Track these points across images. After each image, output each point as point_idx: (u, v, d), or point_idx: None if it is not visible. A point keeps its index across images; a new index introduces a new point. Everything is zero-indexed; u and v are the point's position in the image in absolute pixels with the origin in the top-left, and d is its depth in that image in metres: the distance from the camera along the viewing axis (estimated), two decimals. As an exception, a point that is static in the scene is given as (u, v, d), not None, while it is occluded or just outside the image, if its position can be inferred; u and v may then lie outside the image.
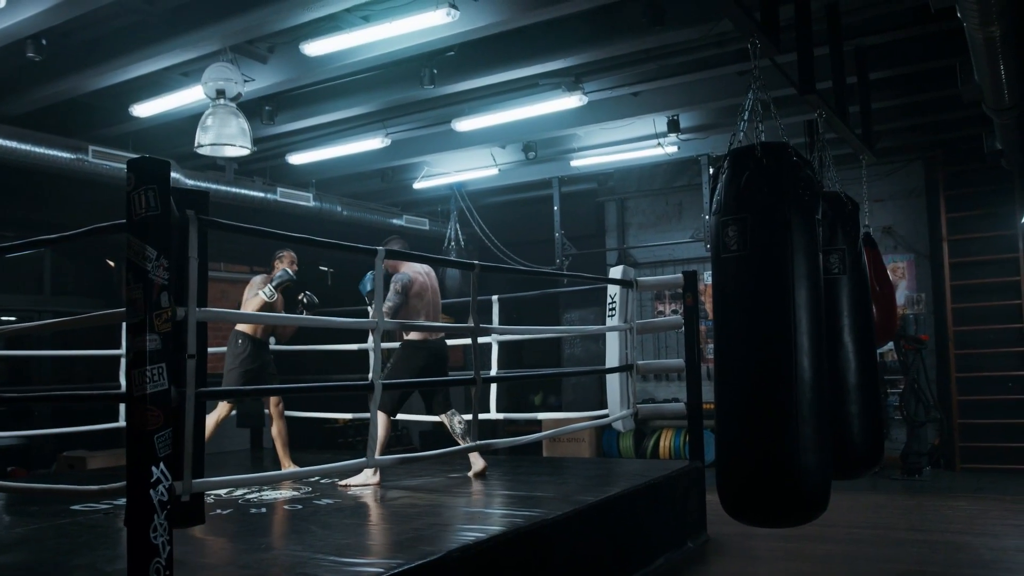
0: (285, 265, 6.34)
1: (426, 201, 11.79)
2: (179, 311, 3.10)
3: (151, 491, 2.62)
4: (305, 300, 6.51)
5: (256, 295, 6.19)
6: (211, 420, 6.16)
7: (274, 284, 6.19)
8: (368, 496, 5.46)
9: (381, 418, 5.91)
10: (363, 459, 3.95)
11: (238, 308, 6.88)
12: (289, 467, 6.27)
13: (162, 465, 2.65)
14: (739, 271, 3.58)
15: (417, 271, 6.05)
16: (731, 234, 3.57)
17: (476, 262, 4.95)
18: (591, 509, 4.85)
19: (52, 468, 8.41)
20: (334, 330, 8.05)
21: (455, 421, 6.11)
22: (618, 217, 11.89)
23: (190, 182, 8.57)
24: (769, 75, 4.28)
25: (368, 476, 5.80)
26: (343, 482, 5.80)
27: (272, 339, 6.90)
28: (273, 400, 6.43)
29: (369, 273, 5.87)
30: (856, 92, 6.64)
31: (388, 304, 5.81)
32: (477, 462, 6.14)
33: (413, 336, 6.03)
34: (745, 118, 3.75)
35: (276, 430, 6.41)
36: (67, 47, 6.27)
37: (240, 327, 6.33)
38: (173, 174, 8.25)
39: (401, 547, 3.96)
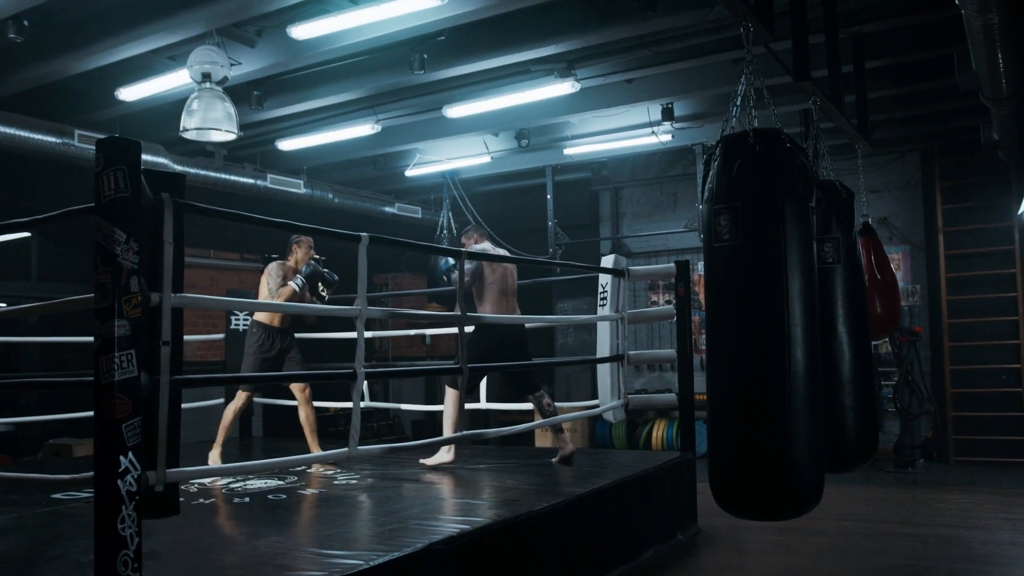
0: (303, 251, 6.25)
1: (419, 189, 11.71)
2: (153, 297, 3.02)
3: (119, 481, 2.53)
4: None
5: (287, 286, 6.04)
6: (230, 410, 6.27)
7: (305, 274, 6.06)
8: (355, 486, 5.38)
9: (451, 395, 5.89)
10: (345, 449, 3.87)
11: (255, 296, 6.81)
12: (317, 452, 6.16)
13: (131, 454, 2.56)
14: (731, 260, 3.49)
15: (487, 247, 6.06)
16: (723, 223, 3.48)
17: (463, 249, 4.87)
18: (579, 501, 4.78)
19: (38, 455, 8.33)
20: (327, 318, 7.98)
21: (543, 403, 6.05)
22: (612, 206, 11.80)
23: (178, 167, 8.48)
24: (764, 63, 4.19)
25: (443, 455, 5.94)
26: (423, 460, 5.94)
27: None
28: (298, 387, 6.33)
29: (442, 260, 5.95)
30: (852, 81, 6.54)
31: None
32: (565, 447, 6.15)
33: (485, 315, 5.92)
34: (737, 103, 3.66)
35: (303, 416, 6.35)
36: (50, 28, 6.15)
37: (257, 317, 6.29)
38: (160, 159, 8.19)
39: (384, 539, 3.88)
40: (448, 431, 5.87)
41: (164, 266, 3.08)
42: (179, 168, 8.48)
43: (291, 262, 6.30)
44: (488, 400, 7.19)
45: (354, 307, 4.02)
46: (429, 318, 5.80)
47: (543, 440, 10.52)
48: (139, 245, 2.66)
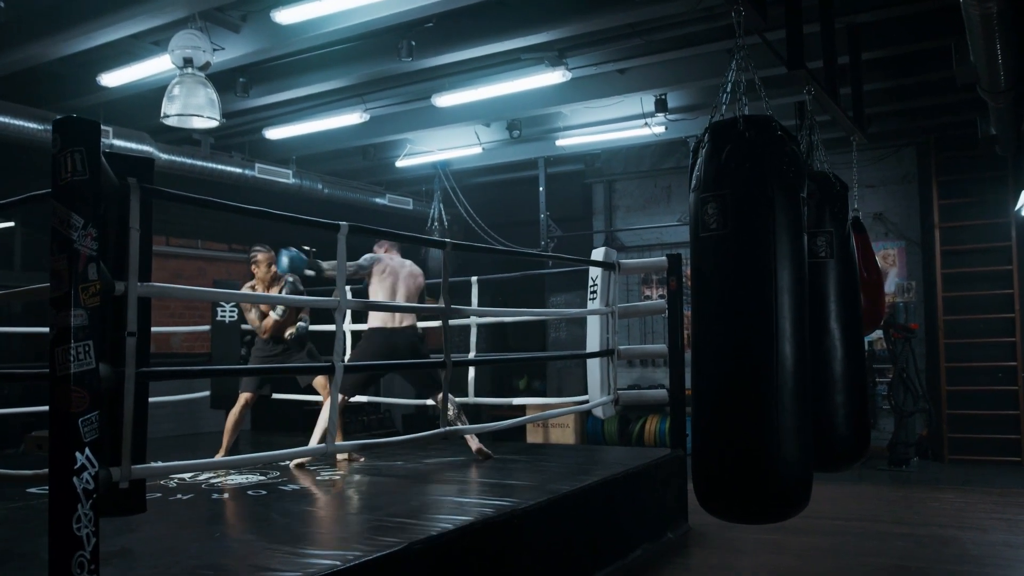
0: (262, 268, 6.15)
1: (410, 180, 11.59)
2: (118, 286, 2.91)
3: (74, 479, 2.42)
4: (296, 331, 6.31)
5: (268, 316, 6.10)
6: (231, 416, 6.22)
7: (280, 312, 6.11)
8: (336, 482, 5.27)
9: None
10: (322, 445, 3.75)
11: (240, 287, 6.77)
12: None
13: (87, 451, 2.44)
14: (718, 251, 3.38)
15: (395, 257, 6.08)
16: (711, 212, 3.37)
17: (448, 240, 4.75)
18: (565, 499, 4.67)
19: (20, 448, 8.21)
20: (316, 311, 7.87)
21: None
22: (606, 199, 11.69)
23: (164, 156, 8.35)
24: (757, 54, 4.08)
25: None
26: (294, 463, 5.81)
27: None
28: (319, 383, 6.26)
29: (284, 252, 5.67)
30: (848, 73, 6.43)
31: (357, 262, 5.77)
32: (472, 443, 6.06)
33: (375, 322, 5.94)
34: (728, 90, 3.54)
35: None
36: (29, 10, 6.00)
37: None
38: (146, 147, 8.06)
39: (362, 538, 3.78)
40: (318, 433, 5.81)
41: (130, 254, 2.96)
42: (165, 156, 8.34)
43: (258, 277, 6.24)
44: (477, 395, 7.07)
45: (332, 299, 3.90)
46: (413, 311, 5.65)
47: (534, 436, 10.42)
48: (98, 231, 2.54)
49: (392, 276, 5.98)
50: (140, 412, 2.99)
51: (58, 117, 2.59)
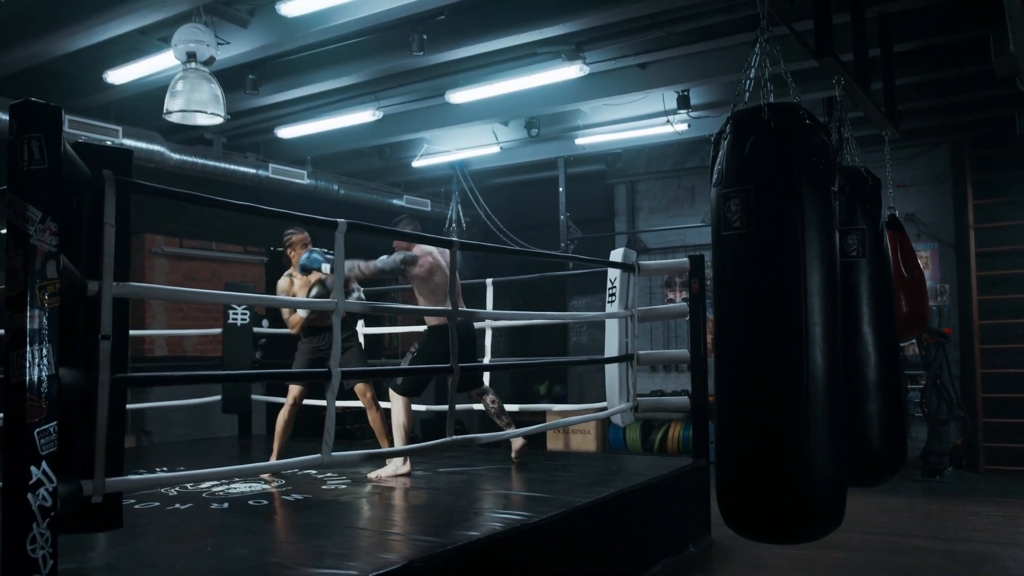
0: (298, 252, 5.79)
1: (428, 181, 11.40)
2: (91, 285, 2.71)
3: (29, 495, 2.21)
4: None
5: (296, 314, 5.74)
6: (281, 416, 5.88)
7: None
8: (341, 492, 5.06)
9: (399, 402, 5.53)
10: (317, 456, 3.54)
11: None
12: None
13: (45, 464, 2.23)
14: (742, 250, 3.13)
15: (427, 251, 5.48)
16: (733, 208, 3.12)
17: (455, 239, 4.51)
18: (579, 512, 4.43)
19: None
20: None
21: (488, 400, 5.81)
22: (628, 200, 11.42)
23: (176, 156, 8.20)
24: (784, 46, 3.81)
25: (398, 466, 5.57)
26: (372, 474, 5.50)
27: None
28: (360, 389, 5.83)
29: (311, 253, 5.44)
30: (879, 66, 6.13)
31: (375, 264, 5.32)
32: (516, 442, 5.92)
33: (433, 321, 5.55)
34: (751, 76, 3.29)
35: (370, 419, 5.91)
36: (30, 6, 5.85)
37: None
38: (156, 147, 7.92)
39: (360, 552, 3.57)
40: (400, 440, 5.49)
41: (105, 251, 2.75)
42: (176, 156, 8.19)
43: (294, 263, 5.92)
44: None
45: (330, 300, 3.68)
46: (418, 312, 5.39)
47: (555, 442, 10.18)
48: (59, 225, 2.33)
49: (436, 271, 5.47)
50: (116, 421, 2.78)
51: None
